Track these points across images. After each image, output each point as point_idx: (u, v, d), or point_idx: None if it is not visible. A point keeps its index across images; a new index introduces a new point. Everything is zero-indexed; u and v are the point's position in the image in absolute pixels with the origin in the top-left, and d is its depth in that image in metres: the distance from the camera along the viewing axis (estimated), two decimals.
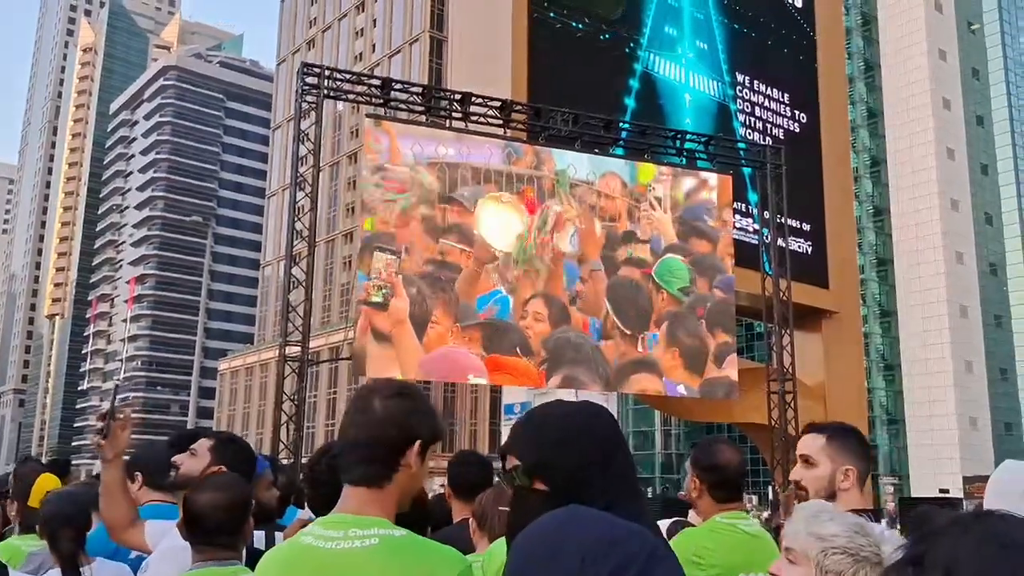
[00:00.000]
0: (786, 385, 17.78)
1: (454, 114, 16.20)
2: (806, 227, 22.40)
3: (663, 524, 3.86)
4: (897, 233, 53.49)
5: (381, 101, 15.71)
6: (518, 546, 1.20)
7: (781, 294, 18.07)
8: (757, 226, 19.68)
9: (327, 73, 15.39)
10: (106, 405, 2.81)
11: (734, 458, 3.34)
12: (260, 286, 69.63)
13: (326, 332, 54.41)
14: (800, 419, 17.71)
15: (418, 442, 1.70)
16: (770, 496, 21.09)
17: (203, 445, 2.71)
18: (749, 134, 22.08)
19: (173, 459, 2.70)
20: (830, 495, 2.63)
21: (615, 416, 1.69)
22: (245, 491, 2.37)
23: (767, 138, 22.00)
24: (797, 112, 23.80)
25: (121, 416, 2.67)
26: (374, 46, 60.97)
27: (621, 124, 17.57)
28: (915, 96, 53.40)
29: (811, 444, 2.65)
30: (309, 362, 14.87)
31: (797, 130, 23.57)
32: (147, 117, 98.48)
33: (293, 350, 14.53)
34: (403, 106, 16.32)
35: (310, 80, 15.22)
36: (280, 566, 1.63)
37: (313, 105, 15.31)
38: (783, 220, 18.60)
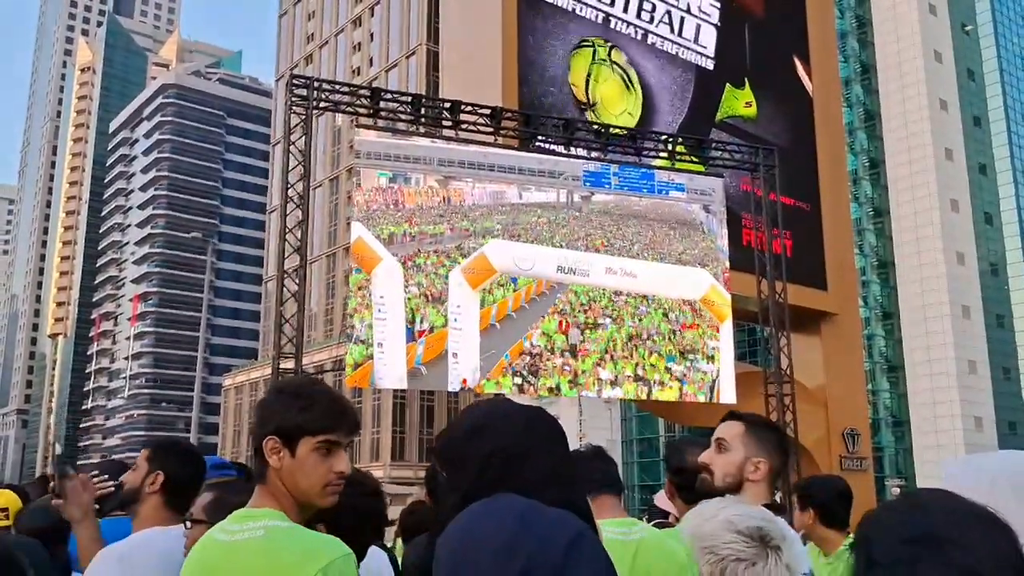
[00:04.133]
0: (784, 388, 17.67)
1: (444, 123, 16.23)
2: (802, 229, 22.31)
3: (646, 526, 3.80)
4: (897, 235, 53.48)
5: (370, 112, 15.71)
6: (441, 544, 1.18)
7: (777, 296, 17.98)
8: (752, 229, 19.62)
9: (316, 84, 15.40)
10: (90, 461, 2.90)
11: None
12: (263, 301, 69.75)
13: (330, 346, 54.43)
14: (800, 422, 17.62)
15: (269, 438, 1.75)
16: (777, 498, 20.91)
17: (141, 455, 2.70)
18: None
19: (120, 479, 2.72)
20: (737, 483, 2.58)
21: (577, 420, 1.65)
22: None
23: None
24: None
25: (75, 479, 2.68)
26: (371, 60, 61.21)
27: (611, 130, 17.56)
28: (911, 98, 53.46)
29: (728, 430, 2.66)
30: (304, 375, 14.85)
31: (791, 131, 23.53)
32: (147, 135, 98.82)
33: (288, 364, 14.51)
34: (393, 116, 16.33)
35: (299, 92, 15.24)
36: (196, 556, 1.76)
37: (303, 117, 15.33)
38: (778, 222, 18.54)
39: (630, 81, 20.86)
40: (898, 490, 42.55)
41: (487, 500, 1.22)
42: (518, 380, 15.93)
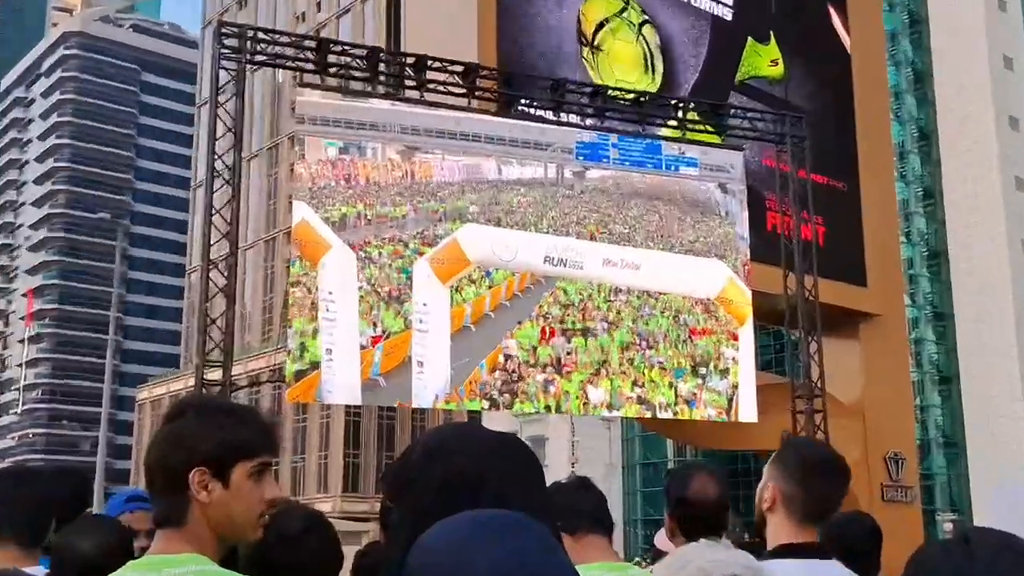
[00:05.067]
0: (815, 403, 17.82)
1: (407, 82, 16.22)
2: (837, 213, 22.47)
3: (641, 573, 3.85)
4: (952, 219, 53.86)
5: (317, 67, 15.68)
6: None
7: (807, 293, 18.11)
8: (778, 213, 19.74)
9: (251, 34, 15.35)
10: None
11: (710, 490, 3.32)
12: (186, 296, 69.36)
13: (268, 352, 54.18)
14: (833, 444, 17.76)
15: (197, 469, 1.75)
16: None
17: None
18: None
19: None
20: (761, 518, 2.61)
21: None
22: None
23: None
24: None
25: None
26: (319, 4, 60.95)
27: (609, 92, 17.62)
28: (969, 55, 53.78)
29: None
30: (233, 388, 14.81)
31: (825, 95, 23.67)
32: (45, 95, 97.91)
33: (215, 374, 14.48)
34: (345, 73, 16.30)
35: (230, 43, 15.20)
36: None
37: (234, 74, 15.27)
38: (809, 205, 18.65)
39: (651, 60, 20.89)
40: (951, 526, 42.93)
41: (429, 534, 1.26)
42: (486, 403, 16.04)
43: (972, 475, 50.54)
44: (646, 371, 16.86)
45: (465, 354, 15.75)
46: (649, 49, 20.91)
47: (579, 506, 2.81)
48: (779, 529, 2.57)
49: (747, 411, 17.38)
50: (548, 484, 2.90)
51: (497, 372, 15.82)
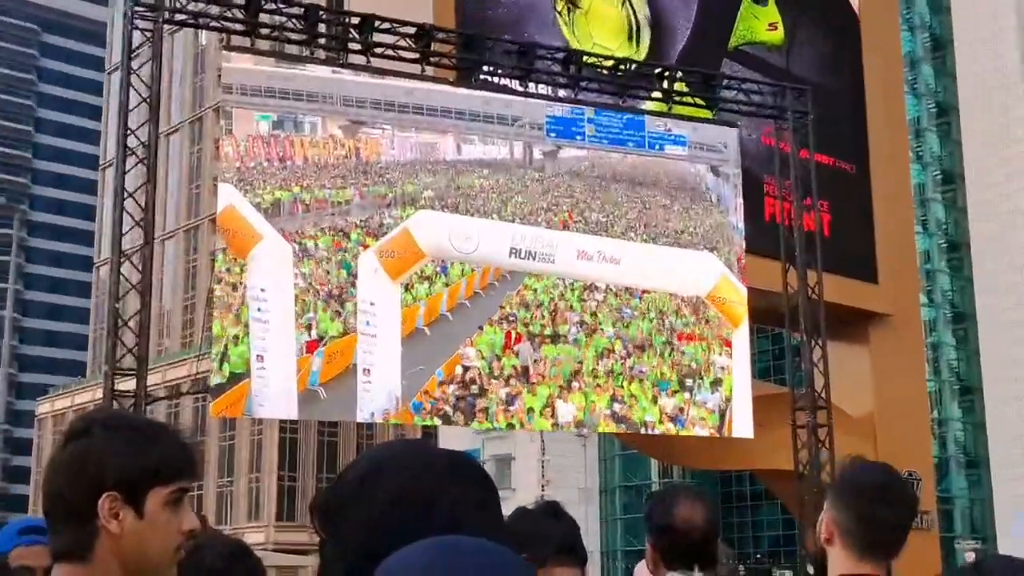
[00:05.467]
0: (818, 416, 17.97)
1: (351, 46, 16.16)
2: (844, 199, 22.67)
3: None
4: (974, 207, 54.39)
5: (246, 28, 15.57)
6: None
7: (810, 291, 18.26)
8: (777, 199, 19.87)
9: None
10: None
11: (697, 517, 3.35)
12: (93, 294, 68.73)
13: (189, 359, 53.77)
14: (839, 463, 17.93)
15: (107, 495, 1.76)
16: (809, 570, 21.33)
17: None
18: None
19: None
20: (820, 550, 2.80)
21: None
22: None
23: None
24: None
25: None
26: None
27: (584, 59, 17.65)
28: (995, 18, 54.24)
29: None
30: (149, 399, 14.70)
31: (830, 64, 23.85)
32: None
33: (127, 384, 14.37)
34: (279, 34, 16.20)
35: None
36: None
37: (150, 35, 15.15)
38: (812, 190, 18.79)
39: (637, 30, 20.91)
40: (972, 555, 43.46)
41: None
42: (438, 420, 16.04)
43: (996, 498, 51.06)
44: (625, 383, 16.92)
45: (418, 361, 15.73)
46: (636, 18, 20.97)
47: (547, 534, 2.82)
48: (837, 563, 2.67)
49: (742, 426, 17.51)
50: (514, 510, 2.93)
51: (454, 385, 15.80)
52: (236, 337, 14.50)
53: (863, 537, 2.65)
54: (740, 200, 18.40)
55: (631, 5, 21.02)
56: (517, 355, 16.34)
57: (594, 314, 17.04)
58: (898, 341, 23.77)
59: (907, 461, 23.29)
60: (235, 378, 14.45)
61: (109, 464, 1.79)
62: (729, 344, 17.65)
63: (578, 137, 17.54)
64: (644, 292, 17.43)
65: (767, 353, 44.57)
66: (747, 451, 19.84)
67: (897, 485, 2.78)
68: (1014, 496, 49.28)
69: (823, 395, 18.18)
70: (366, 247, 15.66)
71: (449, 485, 1.46)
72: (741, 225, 18.34)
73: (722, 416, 17.46)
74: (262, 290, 14.86)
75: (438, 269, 16.28)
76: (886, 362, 23.38)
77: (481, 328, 16.33)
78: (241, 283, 14.72)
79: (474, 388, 15.93)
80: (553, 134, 17.41)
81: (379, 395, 15.44)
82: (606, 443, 52.40)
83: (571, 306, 16.99)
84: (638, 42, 20.87)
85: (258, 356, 14.61)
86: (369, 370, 15.36)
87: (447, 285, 16.29)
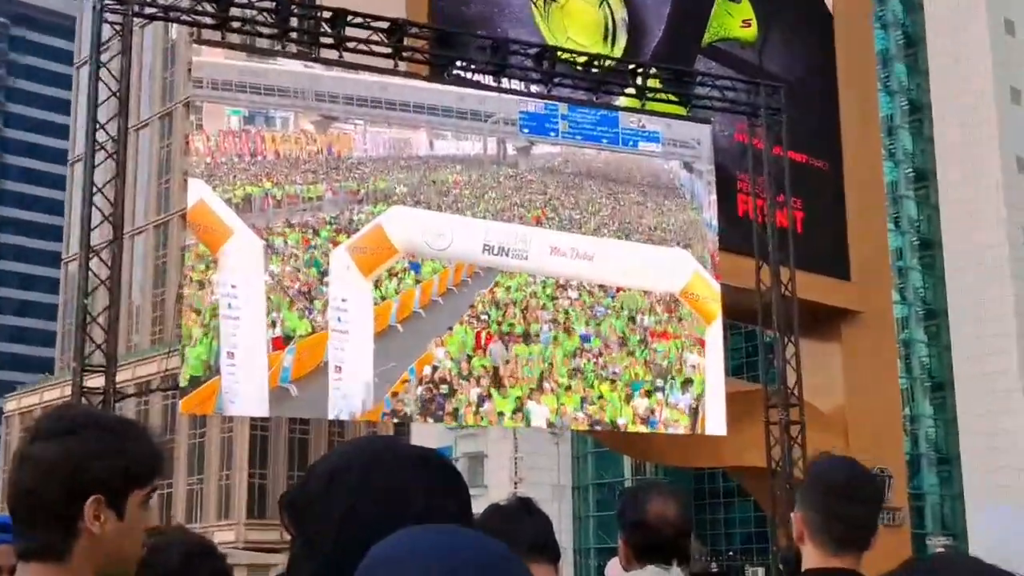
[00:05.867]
0: (791, 413, 18.07)
1: (324, 40, 16.10)
2: (817, 196, 22.76)
3: None
4: (947, 205, 54.71)
5: (217, 21, 15.49)
6: None
7: (783, 288, 18.35)
8: (750, 195, 19.94)
9: None
10: None
11: (670, 512, 3.37)
12: (62, 291, 68.22)
13: (159, 355, 53.46)
14: (811, 459, 18.02)
15: (94, 498, 1.77)
16: (780, 567, 21.42)
17: None
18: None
19: None
20: (796, 550, 2.98)
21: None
22: None
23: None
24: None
25: None
26: None
27: (559, 55, 17.66)
28: (967, 19, 54.60)
29: None
30: (119, 396, 14.63)
31: (804, 61, 23.94)
32: None
33: (96, 381, 14.29)
34: (250, 28, 16.12)
35: None
36: None
37: (119, 28, 15.05)
38: (786, 187, 18.87)
39: (613, 31, 20.89)
40: (944, 551, 43.72)
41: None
42: (413, 413, 15.99)
43: (967, 494, 51.38)
44: (597, 384, 16.92)
45: (391, 358, 15.72)
46: (613, 19, 20.99)
47: (519, 530, 2.83)
48: (809, 560, 2.73)
49: (715, 423, 17.58)
50: (486, 506, 2.93)
51: (423, 387, 15.77)
52: (206, 334, 14.44)
53: (832, 533, 2.69)
54: (713, 197, 18.47)
55: (609, 6, 21.03)
56: (488, 355, 16.32)
57: (566, 312, 17.06)
58: (870, 338, 23.90)
59: (879, 458, 23.44)
60: (206, 376, 14.39)
61: (93, 467, 1.80)
62: (702, 343, 17.70)
63: (552, 133, 17.55)
64: (617, 290, 17.45)
65: (740, 350, 44.76)
66: (720, 448, 19.91)
67: (863, 480, 2.83)
68: (985, 493, 49.59)
69: (796, 392, 18.27)
70: (336, 244, 15.62)
71: (418, 481, 1.47)
72: (714, 222, 18.41)
73: (694, 415, 17.52)
74: (233, 286, 14.80)
75: (407, 266, 16.26)
76: (858, 359, 23.51)
77: (451, 328, 16.29)
78: (213, 280, 14.67)
79: (444, 388, 15.90)
80: (526, 130, 17.41)
81: (351, 392, 15.42)
82: (579, 440, 52.49)
83: (543, 304, 17.00)
84: (613, 43, 20.86)
85: (228, 353, 14.56)
86: (341, 367, 15.33)
87: (417, 282, 16.27)
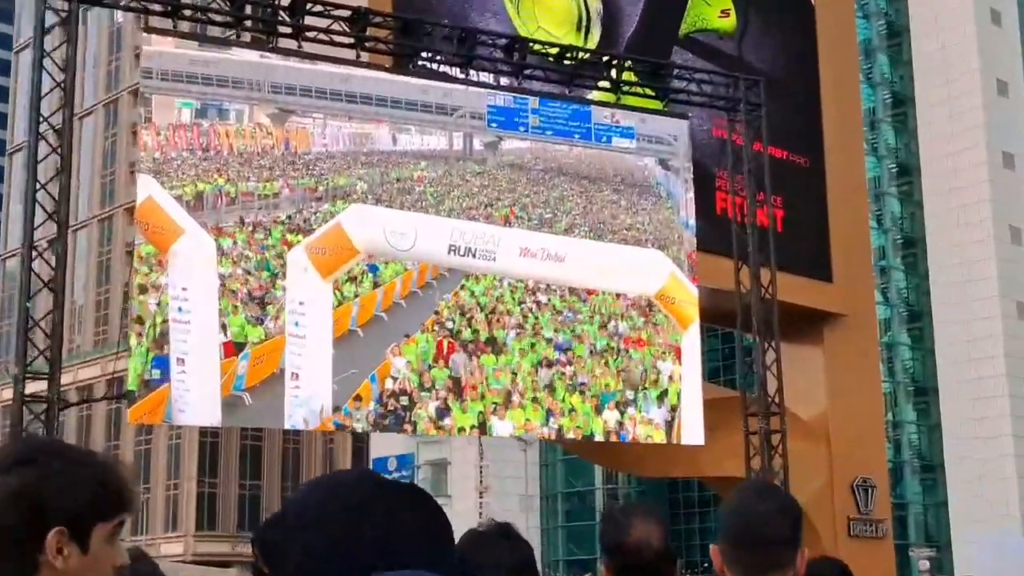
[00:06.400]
0: (771, 421, 18.16)
1: (281, 29, 16.02)
2: (798, 193, 22.90)
3: None
4: (931, 201, 55.06)
5: (167, 7, 15.38)
6: None
7: (763, 290, 18.45)
8: (728, 193, 20.03)
9: None
10: None
11: (654, 537, 3.39)
12: (1, 290, 67.55)
13: (104, 357, 53.06)
14: (792, 469, 18.15)
15: (56, 531, 1.78)
16: None
17: None
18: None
19: None
20: None
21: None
22: None
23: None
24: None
25: None
26: None
27: (530, 46, 17.67)
28: (952, 9, 54.95)
29: None
30: (63, 404, 14.50)
31: (784, 53, 24.07)
32: None
33: (37, 386, 14.17)
34: (203, 15, 16.04)
35: None
36: None
37: (64, 14, 14.93)
38: (766, 184, 18.98)
39: (586, 23, 20.91)
40: (927, 564, 44.11)
41: None
42: (370, 426, 15.95)
43: (951, 504, 51.77)
44: (566, 395, 16.93)
45: (351, 364, 15.72)
46: (587, 11, 21.02)
47: (499, 557, 2.86)
48: None
49: (692, 433, 17.65)
50: (464, 532, 2.94)
51: (379, 400, 15.73)
52: (158, 337, 14.37)
53: (744, 564, 2.71)
54: (691, 195, 18.54)
55: None
56: (449, 365, 16.29)
57: (536, 318, 17.08)
58: (853, 342, 24.06)
59: (861, 466, 23.69)
60: (155, 382, 14.31)
61: (57, 498, 1.80)
62: (678, 351, 17.76)
63: (521, 128, 17.56)
64: (589, 293, 17.49)
65: (716, 352, 44.91)
66: (696, 457, 19.99)
67: (767, 506, 2.81)
68: (969, 503, 49.98)
69: (776, 399, 18.37)
70: (289, 245, 15.58)
71: (394, 518, 1.49)
72: (692, 221, 18.49)
73: (669, 428, 17.60)
74: (183, 289, 14.75)
75: (366, 268, 16.23)
76: (840, 364, 23.65)
77: (409, 336, 16.26)
78: (162, 281, 14.59)
79: (404, 400, 15.88)
80: (495, 124, 17.41)
81: (309, 401, 15.39)
82: (547, 448, 52.62)
83: (510, 309, 17.01)
84: (587, 35, 20.90)
85: (179, 359, 14.50)
86: (298, 374, 15.30)
87: (376, 285, 16.26)
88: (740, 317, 18.73)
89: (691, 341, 18.04)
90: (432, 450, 53.85)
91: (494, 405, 16.42)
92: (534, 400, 16.69)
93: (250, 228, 15.55)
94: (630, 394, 17.28)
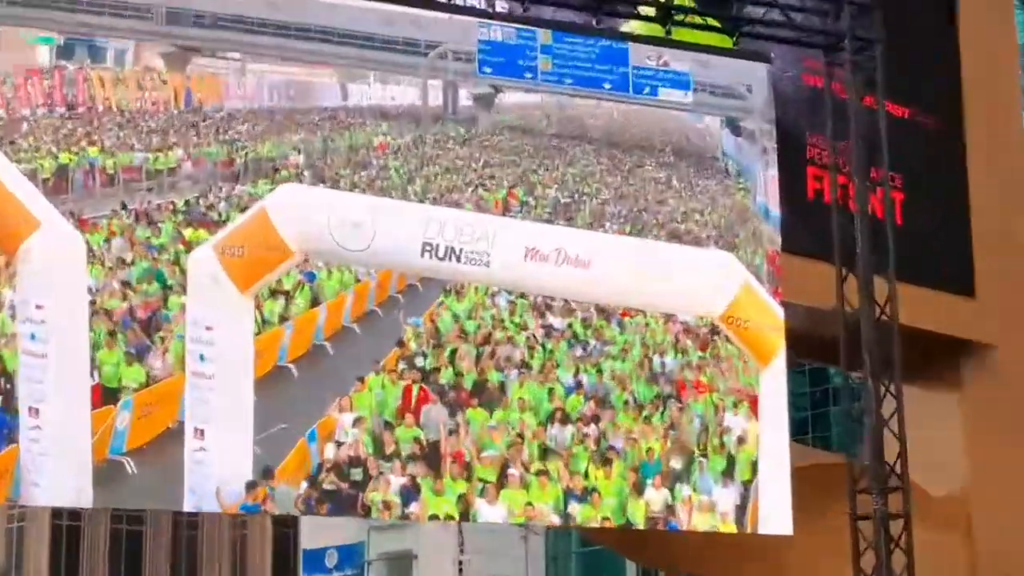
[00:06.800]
0: (890, 500, 18.10)
1: None
2: (926, 169, 22.88)
3: None
4: None
5: None
6: None
7: (877, 310, 18.47)
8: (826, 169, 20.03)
9: None
10: None
11: None
12: None
13: None
14: (921, 569, 18.12)
15: None
16: None
17: None
18: None
19: None
20: None
21: None
22: None
23: None
24: None
25: None
26: None
27: None
28: None
29: None
30: None
31: None
32: None
33: None
34: None
35: None
36: None
37: None
38: (884, 155, 18.97)
39: None
40: None
41: None
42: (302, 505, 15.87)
43: None
44: (590, 467, 16.75)
45: (279, 416, 15.67)
46: None
47: None
48: None
49: (774, 517, 17.62)
50: None
51: (310, 476, 15.68)
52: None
53: None
54: (773, 172, 18.52)
55: None
56: (421, 423, 16.23)
57: (548, 352, 17.04)
58: (1005, 385, 23.89)
59: (1016, 564, 23.56)
60: None
61: None
62: (754, 400, 17.70)
63: (527, 74, 17.57)
64: (625, 315, 17.46)
65: (805, 398, 44.72)
66: (781, 553, 19.84)
67: None
68: None
69: (897, 468, 18.34)
70: (189, 244, 15.55)
71: None
72: (774, 209, 18.47)
73: (740, 512, 17.51)
74: (38, 307, 14.67)
75: (303, 277, 16.21)
76: (987, 417, 23.51)
77: (362, 379, 16.21)
78: (7, 295, 14.59)
79: (354, 473, 15.74)
80: (489, 69, 17.43)
81: (219, 469, 15.30)
82: (558, 536, 52.46)
83: (510, 338, 16.99)
84: None
85: (31, 409, 14.44)
86: (203, 431, 15.25)
87: (317, 302, 16.25)
88: (844, 348, 18.72)
89: (773, 383, 17.98)
90: (390, 538, 53.48)
91: (482, 484, 16.18)
92: (542, 474, 16.46)
93: (132, 219, 15.53)
94: (684, 464, 17.25)
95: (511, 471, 16.34)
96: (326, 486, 15.64)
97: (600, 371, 17.21)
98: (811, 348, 20.77)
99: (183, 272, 15.43)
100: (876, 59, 18.79)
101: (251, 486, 15.36)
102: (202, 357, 15.31)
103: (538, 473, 16.48)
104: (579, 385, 17.03)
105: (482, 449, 16.34)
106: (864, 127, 18.86)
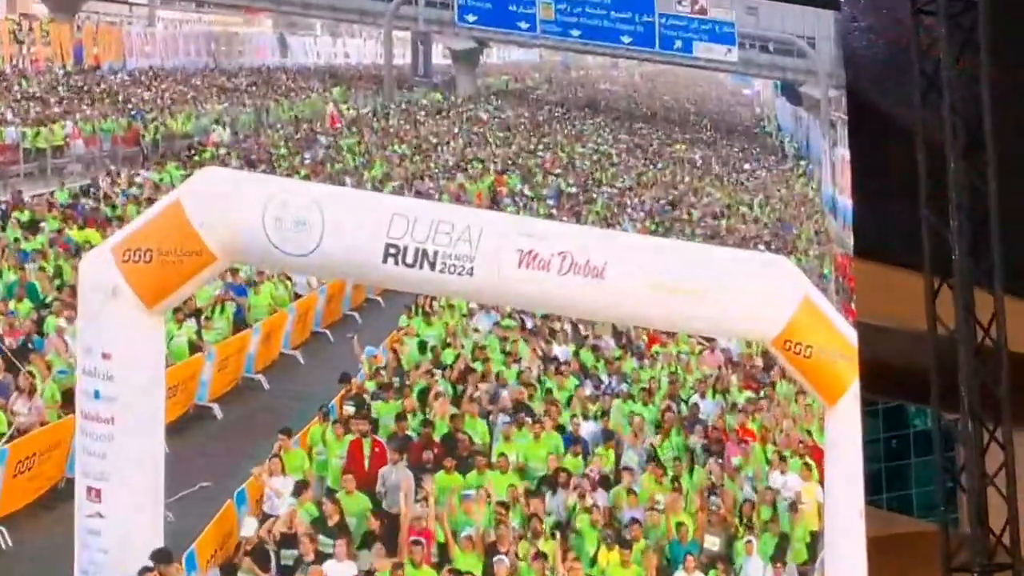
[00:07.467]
0: None
1: None
2: None
3: None
4: None
5: None
6: None
7: (980, 333, 18.45)
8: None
9: None
10: None
11: None
12: None
13: None
14: None
15: None
16: None
17: None
18: None
19: None
20: None
21: None
22: None
23: None
24: None
25: None
26: None
27: None
28: None
29: None
30: None
31: None
32: None
33: None
34: None
35: None
36: None
37: None
38: (985, 132, 19.02)
39: None
40: None
41: None
42: None
43: None
44: (600, 548, 16.60)
45: (199, 472, 15.76)
46: None
47: None
48: None
49: None
50: None
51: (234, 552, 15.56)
52: None
53: None
54: (844, 151, 18.58)
55: None
56: (379, 489, 16.17)
57: (546, 390, 17.04)
58: None
59: None
60: None
61: None
62: (818, 453, 17.71)
63: (522, 24, 17.59)
64: (651, 341, 17.50)
65: (878, 445, 44.99)
66: None
67: None
68: None
69: (1006, 538, 18.36)
70: (78, 248, 15.62)
71: None
72: (845, 200, 18.53)
73: None
74: None
75: (228, 289, 16.23)
76: None
77: (299, 430, 16.23)
78: None
79: (286, 555, 15.62)
80: (473, 17, 17.45)
81: (118, 544, 15.29)
82: None
83: (498, 373, 17.00)
84: None
85: None
86: (99, 490, 15.21)
87: (244, 325, 16.28)
88: (936, 381, 18.76)
89: (843, 428, 17.90)
90: None
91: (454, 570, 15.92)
92: (539, 558, 16.28)
93: (7, 211, 15.62)
94: (724, 543, 17.21)
95: (499, 558, 16.08)
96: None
97: (610, 416, 17.14)
98: (889, 382, 20.85)
99: (65, 285, 15.40)
100: (978, 11, 18.82)
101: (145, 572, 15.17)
102: (97, 394, 15.19)
103: (535, 557, 16.13)
104: (586, 435, 16.95)
105: (456, 523, 16.17)
106: (960, 93, 18.90)
